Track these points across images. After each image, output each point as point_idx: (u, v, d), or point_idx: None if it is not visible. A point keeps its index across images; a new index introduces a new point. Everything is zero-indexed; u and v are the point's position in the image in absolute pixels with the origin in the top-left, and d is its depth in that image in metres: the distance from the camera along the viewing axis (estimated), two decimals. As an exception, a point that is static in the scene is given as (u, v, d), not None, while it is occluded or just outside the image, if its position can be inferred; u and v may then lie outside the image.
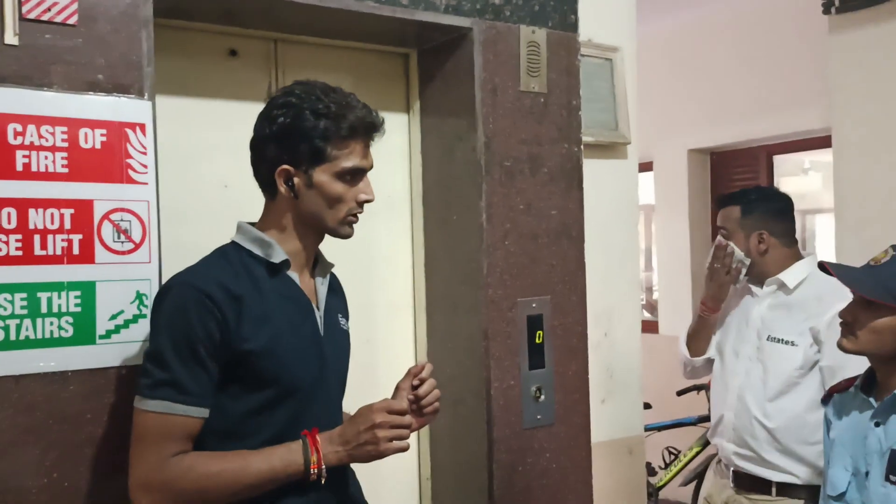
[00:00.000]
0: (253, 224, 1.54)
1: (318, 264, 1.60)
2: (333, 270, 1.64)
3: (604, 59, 2.40)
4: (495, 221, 2.06)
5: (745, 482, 2.32)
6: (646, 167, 4.74)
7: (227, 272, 1.44)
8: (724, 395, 2.37)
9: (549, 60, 2.16)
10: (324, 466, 1.40)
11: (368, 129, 1.51)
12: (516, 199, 2.10)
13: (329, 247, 1.66)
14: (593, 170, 2.34)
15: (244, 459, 1.40)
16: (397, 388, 1.58)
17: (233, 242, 1.52)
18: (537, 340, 2.12)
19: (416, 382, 1.56)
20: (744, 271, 2.35)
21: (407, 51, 2.24)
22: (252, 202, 1.57)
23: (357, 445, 1.42)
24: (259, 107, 1.54)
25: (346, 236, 1.55)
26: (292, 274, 1.52)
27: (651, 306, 5.61)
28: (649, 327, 4.48)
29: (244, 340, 1.40)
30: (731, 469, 2.35)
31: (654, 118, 4.40)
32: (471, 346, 2.08)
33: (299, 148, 1.46)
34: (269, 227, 1.52)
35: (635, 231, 2.55)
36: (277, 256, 1.49)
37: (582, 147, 2.22)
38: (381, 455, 1.43)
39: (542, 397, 2.11)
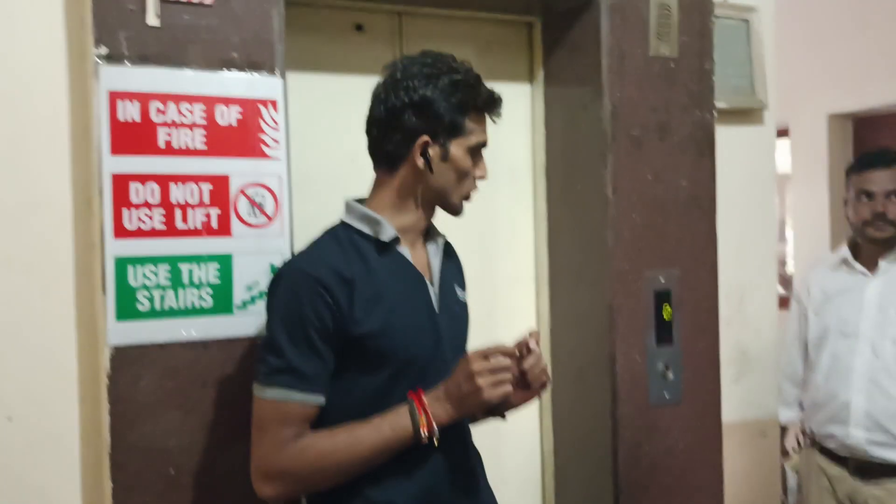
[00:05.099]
0: (362, 200, 1.52)
1: (429, 237, 1.56)
2: (450, 240, 1.62)
3: (740, 20, 2.28)
4: (621, 192, 2.00)
5: (876, 470, 2.21)
6: (781, 133, 4.48)
7: (337, 255, 1.41)
8: (846, 378, 2.26)
9: (680, 23, 2.05)
10: (435, 427, 1.36)
11: (497, 105, 1.51)
12: (644, 168, 2.03)
13: (451, 219, 1.65)
14: (727, 137, 2.23)
15: (355, 432, 1.37)
16: None
17: (342, 222, 1.49)
18: (665, 316, 2.05)
19: (526, 350, 1.49)
20: None
21: (531, 19, 2.19)
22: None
23: (460, 398, 1.37)
24: (384, 80, 1.54)
25: (460, 213, 1.53)
26: (403, 249, 1.48)
27: (784, 280, 5.34)
28: (783, 302, 4.26)
29: (357, 324, 1.38)
30: (851, 458, 2.26)
31: (790, 81, 4.13)
32: (594, 319, 2.04)
33: (442, 119, 1.43)
34: (382, 201, 1.49)
35: (772, 202, 2.41)
36: (386, 234, 1.45)
37: (715, 113, 2.11)
38: (486, 403, 1.36)
39: (670, 375, 2.04)
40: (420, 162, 1.45)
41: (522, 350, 1.48)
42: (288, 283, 1.39)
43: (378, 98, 1.48)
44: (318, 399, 1.38)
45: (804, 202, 4.73)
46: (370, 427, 1.37)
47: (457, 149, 1.46)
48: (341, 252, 1.43)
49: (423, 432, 1.36)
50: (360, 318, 1.38)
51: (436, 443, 1.38)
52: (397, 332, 1.42)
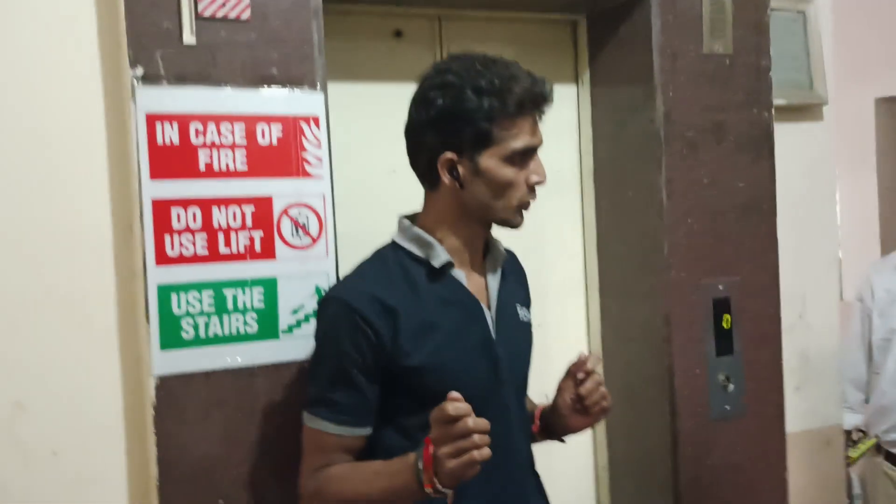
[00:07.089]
0: (414, 218, 1.43)
1: (488, 255, 1.46)
2: (512, 252, 1.53)
3: (796, 12, 2.16)
4: (676, 198, 1.91)
5: None
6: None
7: (382, 282, 1.33)
8: None
9: (735, 18, 1.95)
10: (438, 485, 1.17)
11: (537, 101, 1.33)
12: (699, 172, 1.93)
13: (494, 228, 1.57)
14: (784, 135, 2.12)
15: (368, 472, 1.30)
16: (559, 389, 1.45)
17: (392, 242, 1.41)
18: (724, 325, 1.96)
19: (580, 376, 1.41)
20: None
21: (575, 17, 2.10)
22: (421, 186, 1.49)
23: (436, 467, 1.17)
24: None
25: (517, 225, 1.40)
26: (457, 272, 1.38)
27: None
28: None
29: (405, 356, 1.30)
30: None
31: (836, 64, 3.99)
32: (649, 332, 1.95)
33: (462, 132, 1.30)
34: (431, 221, 1.39)
35: (833, 202, 2.30)
36: (438, 259, 1.36)
37: (773, 112, 2.01)
38: (451, 475, 1.15)
39: (731, 386, 1.95)
40: (448, 180, 1.34)
41: (577, 374, 1.41)
42: (328, 315, 1.35)
43: (408, 115, 1.39)
44: (355, 431, 1.33)
45: (850, 188, 4.58)
46: (383, 469, 1.27)
47: (489, 160, 1.32)
48: (387, 277, 1.35)
49: (427, 490, 1.19)
50: (407, 349, 1.31)
51: (449, 501, 1.21)
52: (447, 369, 1.33)
